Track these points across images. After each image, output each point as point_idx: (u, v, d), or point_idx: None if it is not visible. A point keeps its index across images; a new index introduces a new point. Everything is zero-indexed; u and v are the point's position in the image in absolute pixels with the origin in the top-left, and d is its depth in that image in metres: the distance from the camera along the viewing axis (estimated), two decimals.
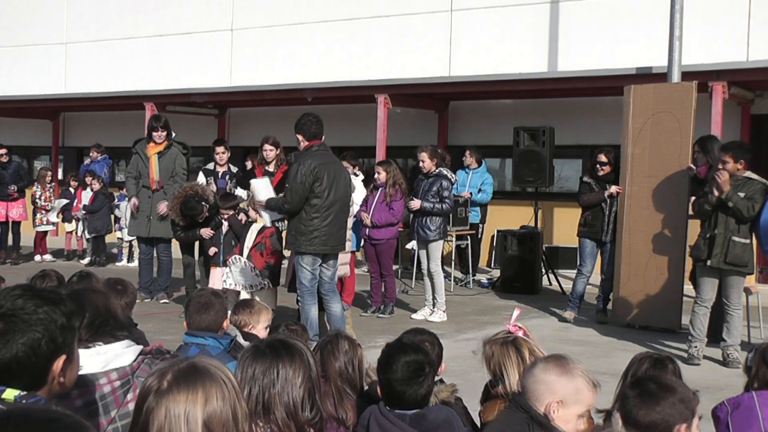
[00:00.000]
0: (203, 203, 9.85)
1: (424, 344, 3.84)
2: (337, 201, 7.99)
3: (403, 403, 3.41)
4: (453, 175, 10.61)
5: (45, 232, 15.55)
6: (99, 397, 2.89)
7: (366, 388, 3.89)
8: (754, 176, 8.29)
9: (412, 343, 3.64)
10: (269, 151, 10.19)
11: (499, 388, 3.75)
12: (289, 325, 4.81)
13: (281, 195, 8.23)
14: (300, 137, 8.00)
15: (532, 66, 13.74)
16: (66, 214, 15.41)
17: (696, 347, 8.30)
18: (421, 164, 10.37)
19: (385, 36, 15.13)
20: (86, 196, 14.94)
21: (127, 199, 11.85)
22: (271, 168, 10.23)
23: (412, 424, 3.36)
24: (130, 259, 14.79)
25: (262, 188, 8.40)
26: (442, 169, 10.35)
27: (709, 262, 8.23)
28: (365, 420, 3.50)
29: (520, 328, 3.92)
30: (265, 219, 8.54)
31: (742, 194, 8.09)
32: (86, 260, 14.87)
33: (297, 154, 8.27)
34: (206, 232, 9.85)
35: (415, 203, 10.14)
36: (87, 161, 16.51)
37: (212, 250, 9.58)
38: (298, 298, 8.22)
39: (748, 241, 8.18)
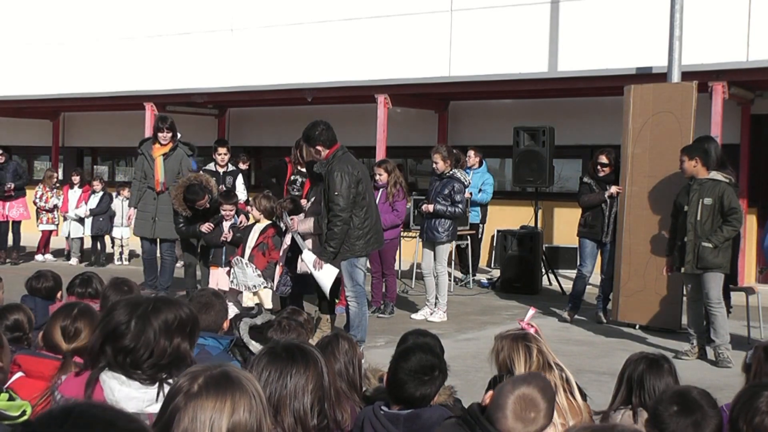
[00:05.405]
0: (206, 193, 9.74)
1: None
2: (371, 197, 8.30)
3: (401, 395, 3.42)
4: (466, 178, 10.57)
5: (50, 232, 15.55)
6: None
7: (365, 389, 3.89)
8: (719, 176, 8.33)
9: (436, 349, 3.76)
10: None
11: None
12: (281, 322, 4.64)
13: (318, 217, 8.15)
14: (320, 148, 7.98)
15: (532, 66, 13.73)
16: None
17: (695, 343, 8.45)
18: (434, 165, 10.34)
19: (385, 36, 15.12)
20: (73, 195, 15.00)
21: (128, 205, 11.92)
22: (303, 168, 10.16)
23: (406, 424, 3.38)
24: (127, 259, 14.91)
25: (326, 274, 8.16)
26: (455, 171, 10.31)
27: (683, 270, 8.32)
28: (360, 421, 3.52)
29: (532, 326, 3.95)
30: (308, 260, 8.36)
31: (708, 199, 8.16)
32: (85, 260, 14.89)
33: (325, 162, 8.04)
34: (206, 227, 9.77)
35: (428, 207, 10.11)
36: None
37: (206, 227, 9.52)
38: (350, 302, 8.15)
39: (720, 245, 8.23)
